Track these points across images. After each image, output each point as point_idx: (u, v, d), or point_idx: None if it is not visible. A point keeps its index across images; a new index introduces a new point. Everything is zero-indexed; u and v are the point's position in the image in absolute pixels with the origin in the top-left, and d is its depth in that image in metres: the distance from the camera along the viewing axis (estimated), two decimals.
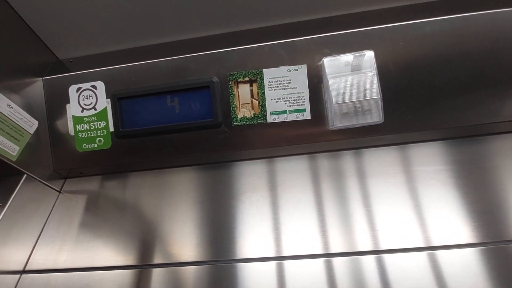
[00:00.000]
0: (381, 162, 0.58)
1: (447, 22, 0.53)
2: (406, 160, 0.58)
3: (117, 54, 0.65)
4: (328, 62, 0.55)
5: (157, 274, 0.52)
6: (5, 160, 0.53)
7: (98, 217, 0.62)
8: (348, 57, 0.54)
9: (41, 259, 0.56)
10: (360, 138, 0.57)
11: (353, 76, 0.54)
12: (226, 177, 0.62)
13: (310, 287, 0.48)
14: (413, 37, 0.54)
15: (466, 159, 0.56)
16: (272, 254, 0.52)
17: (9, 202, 0.53)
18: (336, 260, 0.50)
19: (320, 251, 0.51)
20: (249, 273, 0.50)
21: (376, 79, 0.53)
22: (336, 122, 0.54)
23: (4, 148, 0.52)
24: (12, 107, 0.55)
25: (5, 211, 0.52)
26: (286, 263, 0.51)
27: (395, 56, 0.55)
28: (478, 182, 0.53)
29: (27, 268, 0.55)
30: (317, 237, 0.52)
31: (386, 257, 0.49)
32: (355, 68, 0.54)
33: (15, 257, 0.54)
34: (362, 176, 0.57)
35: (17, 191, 0.54)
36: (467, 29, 0.52)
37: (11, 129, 0.54)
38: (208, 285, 0.50)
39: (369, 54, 0.54)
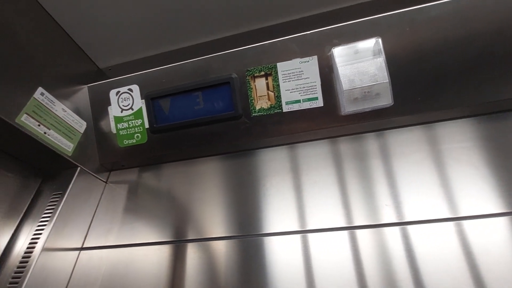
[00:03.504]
0: (400, 141, 0.61)
1: (452, 4, 0.54)
2: (426, 139, 0.60)
3: (148, 60, 0.73)
4: (338, 52, 0.59)
5: (191, 248, 0.60)
6: (63, 155, 0.63)
7: (138, 203, 0.70)
8: (356, 46, 0.58)
9: (94, 238, 0.66)
10: (372, 121, 0.60)
11: (362, 63, 0.57)
12: (249, 164, 0.68)
13: (335, 257, 0.52)
14: (419, 21, 0.56)
15: (486, 135, 0.57)
16: (296, 228, 0.57)
17: (68, 190, 0.63)
18: (359, 232, 0.54)
19: (344, 224, 0.55)
20: (275, 246, 0.56)
21: (384, 64, 0.56)
22: (347, 108, 0.58)
23: (62, 145, 0.63)
24: (66, 111, 0.65)
25: (66, 198, 0.62)
26: (310, 236, 0.56)
27: (402, 41, 0.57)
28: (500, 157, 0.55)
29: (84, 245, 0.65)
30: (340, 211, 0.57)
31: (411, 228, 0.52)
32: (364, 56, 0.58)
33: (74, 236, 0.64)
34: (382, 156, 0.60)
35: (73, 181, 0.65)
36: (472, 10, 0.54)
37: (66, 129, 0.64)
38: (237, 257, 0.56)
39: (377, 41, 0.57)
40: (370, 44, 0.57)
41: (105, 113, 0.72)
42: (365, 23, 0.59)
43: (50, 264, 0.56)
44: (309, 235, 0.56)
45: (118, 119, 0.71)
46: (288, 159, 0.66)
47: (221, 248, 0.57)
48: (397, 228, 0.53)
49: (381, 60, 0.56)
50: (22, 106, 0.55)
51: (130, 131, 0.70)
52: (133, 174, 0.75)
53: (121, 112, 0.71)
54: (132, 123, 0.70)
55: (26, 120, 0.55)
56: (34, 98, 0.58)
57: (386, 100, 0.56)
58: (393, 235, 0.52)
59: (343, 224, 0.55)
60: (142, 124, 0.70)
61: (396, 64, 0.57)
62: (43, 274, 0.55)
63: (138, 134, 0.70)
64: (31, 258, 0.54)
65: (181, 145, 0.69)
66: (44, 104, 0.60)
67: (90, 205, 0.69)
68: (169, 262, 0.59)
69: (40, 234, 0.57)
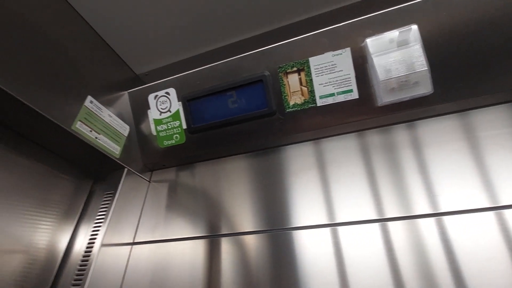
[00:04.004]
0: (434, 131, 0.60)
1: None
2: (462, 127, 0.59)
3: (182, 63, 0.76)
4: (372, 42, 0.58)
5: (225, 242, 0.63)
6: (112, 157, 0.68)
7: (177, 200, 0.74)
8: (391, 34, 0.57)
9: (143, 233, 0.71)
10: (410, 111, 0.59)
11: (398, 52, 0.56)
12: (278, 160, 0.70)
13: (367, 250, 0.53)
14: (456, 4, 0.54)
15: None
16: (325, 222, 0.58)
17: (118, 190, 0.68)
18: (391, 224, 0.54)
19: (375, 217, 0.55)
20: (303, 239, 0.58)
21: (422, 51, 0.55)
22: (384, 98, 0.57)
23: (110, 148, 0.67)
24: (111, 116, 0.70)
25: (117, 197, 0.67)
26: (340, 228, 0.57)
27: (440, 26, 0.56)
28: None
29: (135, 240, 0.70)
30: (371, 204, 0.57)
31: (446, 219, 0.51)
32: (400, 44, 0.57)
33: (126, 232, 0.69)
34: (415, 146, 0.60)
35: (122, 181, 0.70)
36: None
37: (113, 133, 0.69)
38: (267, 250, 0.59)
39: (413, 28, 0.56)
40: (406, 32, 0.56)
41: (145, 116, 0.77)
42: (399, 10, 0.58)
43: (108, 259, 0.62)
44: (339, 228, 0.57)
45: (158, 122, 0.75)
46: (316, 154, 0.67)
47: (252, 242, 0.60)
48: (432, 219, 0.52)
49: (418, 48, 0.55)
50: (74, 114, 0.60)
51: (169, 132, 0.74)
52: (173, 173, 0.79)
53: (160, 114, 0.75)
54: (170, 124, 0.74)
55: (80, 127, 0.60)
56: (85, 106, 0.63)
57: (425, 88, 0.55)
58: (428, 227, 0.52)
59: (374, 216, 0.56)
60: (180, 125, 0.73)
61: (434, 50, 0.56)
62: (103, 268, 0.60)
63: (177, 135, 0.74)
64: (92, 253, 0.60)
65: (218, 143, 0.72)
66: (94, 111, 0.64)
67: (138, 203, 0.74)
68: (206, 255, 0.63)
69: (98, 231, 0.63)
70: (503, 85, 0.54)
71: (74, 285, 0.56)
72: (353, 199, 0.59)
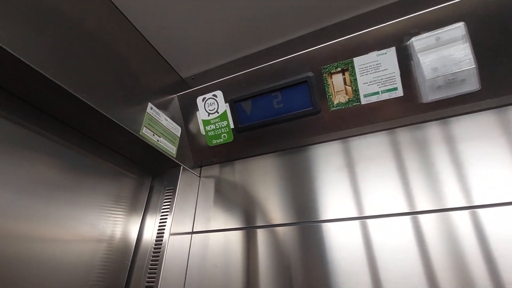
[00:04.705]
0: (467, 127, 0.62)
1: None
2: (498, 123, 0.60)
3: (227, 66, 0.81)
4: (417, 41, 0.60)
5: (260, 233, 0.70)
6: (170, 157, 0.75)
7: (223, 193, 0.82)
8: (437, 33, 0.58)
9: (200, 224, 0.80)
10: (454, 107, 0.61)
11: (444, 50, 0.58)
12: (310, 158, 0.75)
13: (398, 244, 0.56)
14: (504, 1, 0.54)
15: None
16: (354, 215, 0.63)
17: (178, 186, 0.76)
18: (423, 217, 0.57)
19: (406, 210, 0.59)
20: (333, 231, 0.63)
21: (469, 49, 0.56)
22: (430, 96, 0.60)
23: (169, 149, 0.75)
24: (167, 120, 0.76)
25: (177, 192, 0.75)
26: (370, 221, 0.61)
27: (488, 22, 0.56)
28: None
29: (194, 230, 0.79)
30: (401, 198, 0.60)
31: (481, 211, 0.53)
32: (447, 42, 0.58)
33: (187, 223, 0.78)
34: (448, 141, 0.62)
35: (180, 178, 0.77)
36: None
37: (169, 135, 0.76)
38: (298, 241, 0.65)
39: (460, 26, 0.57)
40: (453, 30, 0.57)
41: (194, 117, 0.83)
42: (445, 8, 0.58)
43: (176, 245, 0.70)
44: (368, 221, 0.61)
45: (206, 122, 0.81)
46: (346, 152, 0.71)
47: (285, 233, 0.67)
48: (465, 212, 0.54)
49: (466, 46, 0.56)
50: (139, 120, 0.67)
51: (217, 132, 0.80)
52: (220, 169, 0.86)
53: (208, 115, 0.81)
54: (218, 124, 0.80)
55: (145, 132, 0.67)
56: (147, 113, 0.69)
57: (472, 85, 0.57)
58: (461, 220, 0.53)
59: (405, 209, 0.59)
60: (228, 125, 0.79)
61: (482, 47, 0.57)
62: (173, 253, 0.69)
63: (225, 134, 0.80)
64: (163, 241, 0.68)
65: (264, 141, 0.77)
66: (154, 116, 0.71)
67: (192, 196, 0.83)
68: (246, 245, 0.71)
69: (165, 222, 0.71)
70: None
71: (151, 269, 0.65)
72: (382, 192, 0.63)
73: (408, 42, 0.61)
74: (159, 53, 0.80)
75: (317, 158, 0.74)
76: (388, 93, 0.64)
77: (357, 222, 0.62)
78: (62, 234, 0.58)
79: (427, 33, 0.59)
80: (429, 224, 0.56)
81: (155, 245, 0.69)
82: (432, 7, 0.59)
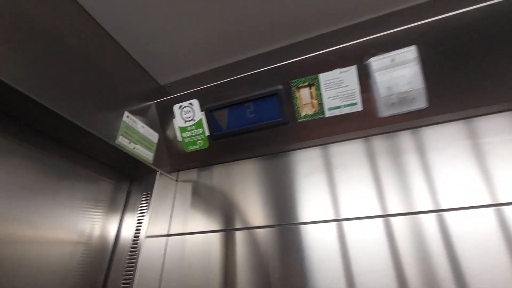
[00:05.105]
0: (434, 137, 0.67)
1: (481, 11, 0.58)
2: (462, 133, 0.66)
3: (203, 76, 0.84)
4: (375, 61, 0.66)
5: (238, 235, 0.75)
6: (146, 163, 0.78)
7: (200, 197, 0.86)
8: (392, 54, 0.64)
9: (176, 227, 0.83)
10: (408, 122, 0.68)
11: (398, 71, 0.64)
12: (289, 163, 0.79)
13: (371, 244, 0.61)
14: (453, 28, 0.61)
15: None
16: (331, 217, 0.68)
17: (154, 190, 0.79)
18: (394, 220, 0.62)
19: (378, 213, 0.64)
20: (311, 233, 0.68)
21: (419, 71, 0.62)
22: (385, 112, 0.66)
23: (146, 156, 0.78)
24: (144, 127, 0.79)
25: (153, 197, 0.78)
26: (345, 224, 0.66)
27: (437, 46, 0.62)
28: None
29: (170, 232, 0.83)
30: (375, 201, 0.66)
31: (447, 215, 0.58)
32: (400, 63, 0.64)
33: (163, 225, 0.81)
34: (418, 150, 0.67)
35: (157, 183, 0.81)
36: (507, 15, 0.57)
37: (146, 142, 0.79)
38: (277, 243, 0.70)
39: (412, 50, 0.63)
40: (406, 52, 0.63)
41: (171, 124, 0.86)
42: (400, 32, 0.64)
43: (152, 248, 0.74)
44: (344, 223, 0.66)
45: (183, 129, 0.85)
46: (324, 158, 0.76)
47: (263, 235, 0.72)
48: (432, 215, 0.58)
49: (416, 68, 0.62)
50: (115, 128, 0.70)
51: (193, 139, 0.84)
52: (196, 174, 0.90)
53: (185, 123, 0.84)
54: (194, 131, 0.84)
55: (122, 140, 0.70)
56: (124, 121, 0.72)
57: (421, 103, 0.63)
58: (429, 222, 0.58)
59: (378, 212, 0.64)
60: (203, 132, 0.83)
61: (432, 68, 0.63)
62: (148, 255, 0.73)
63: (201, 141, 0.84)
64: (139, 244, 0.72)
65: (237, 148, 0.81)
66: (130, 124, 0.74)
67: (169, 200, 0.86)
68: (224, 247, 0.75)
69: (141, 225, 0.75)
70: (494, 98, 0.62)
71: (127, 270, 0.69)
72: (357, 196, 0.68)
73: (367, 62, 0.67)
74: (137, 62, 0.82)
75: (296, 163, 0.79)
76: (349, 107, 0.69)
77: (333, 224, 0.67)
78: (40, 237, 0.60)
79: (384, 54, 0.65)
80: (399, 226, 0.61)
81: (131, 247, 0.72)
82: (388, 31, 0.65)
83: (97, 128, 0.64)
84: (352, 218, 0.66)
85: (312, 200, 0.72)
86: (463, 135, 0.65)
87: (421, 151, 0.67)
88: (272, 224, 0.73)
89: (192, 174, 0.92)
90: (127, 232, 0.76)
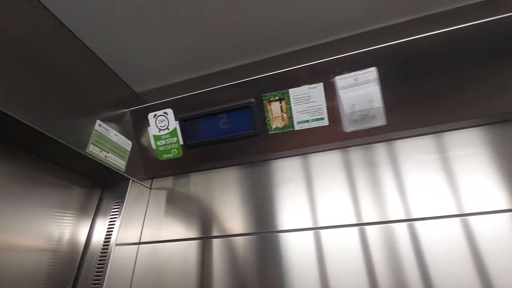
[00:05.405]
0: (410, 149, 0.71)
1: (438, 36, 0.63)
2: (435, 146, 0.70)
3: (179, 86, 0.86)
4: (340, 80, 0.70)
5: (216, 243, 0.76)
6: (119, 171, 0.79)
7: (175, 205, 0.87)
8: (355, 74, 0.69)
9: (148, 235, 0.84)
10: (369, 137, 0.72)
11: (360, 90, 0.68)
12: (266, 172, 0.82)
13: (346, 252, 0.64)
14: (412, 51, 0.66)
15: (483, 143, 0.68)
16: (309, 226, 0.71)
17: (126, 198, 0.79)
18: (368, 228, 0.65)
19: (354, 221, 0.67)
20: (289, 241, 0.71)
21: (378, 90, 0.67)
22: (348, 127, 0.70)
23: (118, 164, 0.78)
24: (117, 135, 0.80)
25: (125, 205, 0.79)
26: (323, 232, 0.68)
27: (395, 68, 0.67)
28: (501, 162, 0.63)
29: (141, 240, 0.83)
30: (350, 210, 0.68)
31: (418, 224, 0.61)
32: (362, 83, 0.68)
33: (134, 233, 0.82)
34: (393, 161, 0.71)
35: (129, 191, 0.81)
36: (462, 40, 0.63)
37: (119, 150, 0.79)
38: (255, 251, 0.72)
39: (373, 71, 0.68)
40: (368, 73, 0.68)
41: (146, 131, 0.87)
42: (363, 54, 0.69)
43: (121, 256, 0.74)
44: (321, 231, 0.68)
45: (157, 137, 0.85)
46: (302, 167, 0.80)
47: (241, 243, 0.74)
48: (404, 224, 0.62)
49: (376, 88, 0.67)
50: (86, 136, 0.70)
51: (167, 147, 0.85)
52: (171, 181, 0.91)
53: (159, 131, 0.85)
54: (169, 140, 0.85)
55: (93, 149, 0.70)
56: (95, 130, 0.72)
57: (380, 121, 0.68)
58: (400, 231, 0.61)
59: (353, 221, 0.67)
60: (178, 141, 0.84)
61: (391, 89, 0.68)
62: (118, 263, 0.73)
63: (175, 150, 0.85)
64: (108, 252, 0.72)
65: (210, 158, 0.83)
66: (102, 133, 0.74)
67: (141, 208, 0.86)
68: (200, 255, 0.76)
69: (111, 232, 0.75)
70: (449, 117, 0.67)
71: (95, 279, 0.69)
72: (334, 205, 0.71)
73: (333, 80, 0.71)
74: (112, 70, 0.82)
75: (271, 172, 0.81)
76: (316, 122, 0.73)
77: (311, 232, 0.69)
78: (5, 244, 0.59)
79: (348, 74, 0.69)
80: (373, 234, 0.64)
81: (100, 255, 0.72)
82: (352, 52, 0.69)
83: (67, 137, 0.64)
84: (329, 227, 0.68)
85: (288, 209, 0.75)
86: (433, 149, 0.70)
87: (394, 163, 0.71)
88: (249, 232, 0.75)
89: (167, 182, 0.93)
90: (97, 240, 0.76)
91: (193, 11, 0.66)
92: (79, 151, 0.66)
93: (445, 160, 0.68)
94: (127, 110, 0.86)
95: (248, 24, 0.70)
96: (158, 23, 0.69)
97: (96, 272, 0.70)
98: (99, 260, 0.72)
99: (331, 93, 0.72)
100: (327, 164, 0.77)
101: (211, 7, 0.65)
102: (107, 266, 0.70)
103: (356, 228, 0.66)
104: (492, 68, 0.63)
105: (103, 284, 0.67)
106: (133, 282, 0.76)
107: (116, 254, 0.73)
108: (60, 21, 0.68)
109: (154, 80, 0.87)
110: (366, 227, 0.65)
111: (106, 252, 0.72)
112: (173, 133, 0.84)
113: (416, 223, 0.62)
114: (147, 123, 0.86)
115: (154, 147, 0.86)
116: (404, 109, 0.69)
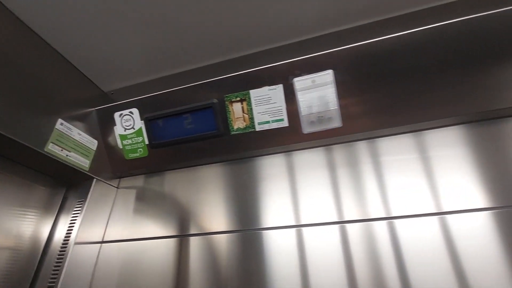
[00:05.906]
0: (391, 147, 0.71)
1: (393, 40, 0.65)
2: (414, 144, 0.70)
3: (144, 85, 0.86)
4: (298, 81, 0.71)
5: (193, 242, 0.76)
6: (82, 170, 0.79)
7: (145, 204, 0.87)
8: (313, 77, 0.70)
9: (112, 233, 0.84)
10: (328, 138, 0.74)
11: (317, 92, 0.70)
12: (241, 170, 0.82)
13: (327, 249, 0.64)
14: (368, 54, 0.67)
15: (451, 142, 0.69)
16: (292, 223, 0.70)
17: (88, 197, 0.80)
18: (349, 226, 0.65)
19: (335, 219, 0.67)
20: (272, 239, 0.69)
21: (334, 93, 0.68)
22: (305, 129, 0.71)
23: (80, 163, 0.78)
24: (80, 134, 0.80)
25: (87, 204, 0.79)
26: (305, 229, 0.68)
27: (351, 71, 0.69)
28: (483, 159, 0.63)
29: (104, 239, 0.83)
30: (332, 208, 0.68)
31: (397, 222, 0.62)
32: (320, 85, 0.70)
33: (96, 232, 0.82)
34: (374, 159, 0.71)
35: (92, 190, 0.81)
36: (418, 43, 0.65)
37: (82, 149, 0.80)
38: (238, 249, 0.71)
39: (329, 73, 0.69)
40: (324, 75, 0.69)
41: (112, 130, 0.87)
42: (321, 56, 0.70)
43: (81, 255, 0.75)
44: (303, 229, 0.68)
45: (123, 137, 0.86)
46: (286, 164, 0.79)
47: (222, 242, 0.74)
48: (384, 222, 0.62)
49: (332, 90, 0.68)
50: (46, 135, 0.70)
51: (133, 146, 0.85)
52: (140, 180, 0.91)
53: (125, 131, 0.85)
54: (135, 139, 0.85)
55: (52, 148, 0.70)
56: (56, 129, 0.72)
57: (336, 123, 0.69)
58: (380, 229, 0.62)
59: (335, 219, 0.67)
60: (143, 141, 0.84)
61: (348, 91, 0.69)
62: (76, 262, 0.73)
63: (141, 149, 0.85)
64: (66, 251, 0.72)
65: (176, 157, 0.84)
66: (64, 132, 0.74)
67: (106, 207, 0.87)
68: (175, 253, 0.75)
69: (71, 231, 0.75)
70: (404, 119, 0.69)
71: (52, 278, 0.69)
72: (316, 203, 0.70)
73: (291, 81, 0.72)
74: (77, 68, 0.82)
75: (254, 169, 0.81)
76: (276, 123, 0.74)
77: (293, 230, 0.69)
78: None
79: (306, 76, 0.71)
80: (354, 232, 0.64)
81: (58, 254, 0.72)
82: (310, 54, 0.71)
83: (25, 136, 0.64)
84: (311, 224, 0.68)
85: (272, 205, 0.74)
86: (413, 148, 0.70)
87: (376, 162, 0.71)
88: (226, 230, 0.74)
89: (137, 181, 0.93)
90: (58, 239, 0.76)
91: (158, 13, 0.67)
92: (38, 150, 0.66)
93: (424, 159, 0.68)
94: (93, 109, 0.87)
95: (211, 26, 0.71)
96: (124, 23, 0.70)
97: (54, 270, 0.70)
98: (57, 259, 0.72)
99: (290, 95, 0.73)
100: (309, 161, 0.76)
101: (174, 9, 0.66)
102: (64, 265, 0.70)
103: (337, 226, 0.66)
104: (467, 69, 0.62)
105: (59, 282, 0.67)
106: (94, 280, 0.76)
107: (75, 253, 0.73)
108: (21, 20, 0.68)
109: (121, 79, 0.87)
110: (347, 225, 0.65)
111: (64, 251, 0.72)
112: (138, 132, 0.84)
113: (396, 221, 0.62)
114: (113, 123, 0.86)
115: (120, 146, 0.87)
116: (358, 112, 0.70)
